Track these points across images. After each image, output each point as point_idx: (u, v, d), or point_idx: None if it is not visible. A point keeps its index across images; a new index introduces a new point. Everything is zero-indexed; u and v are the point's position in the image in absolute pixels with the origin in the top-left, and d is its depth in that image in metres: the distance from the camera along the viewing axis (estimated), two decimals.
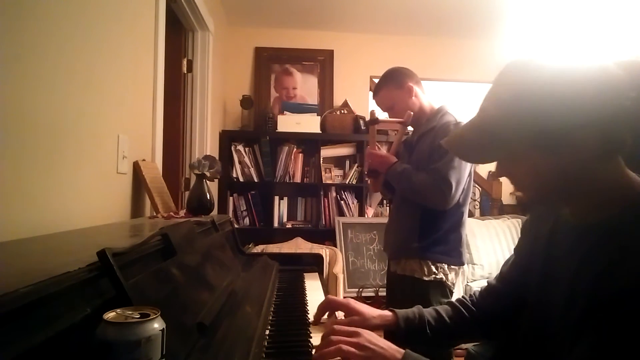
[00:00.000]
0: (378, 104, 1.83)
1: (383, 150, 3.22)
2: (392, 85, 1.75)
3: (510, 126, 0.66)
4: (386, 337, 0.84)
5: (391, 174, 1.66)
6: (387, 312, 0.93)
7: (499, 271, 0.95)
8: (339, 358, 0.73)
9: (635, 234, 0.60)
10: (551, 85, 0.63)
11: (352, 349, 0.72)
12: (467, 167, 1.58)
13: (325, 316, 0.99)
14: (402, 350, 0.72)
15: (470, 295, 0.97)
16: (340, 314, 0.99)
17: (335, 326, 0.80)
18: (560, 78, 0.63)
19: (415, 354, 0.72)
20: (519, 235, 0.91)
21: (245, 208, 3.25)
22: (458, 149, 0.76)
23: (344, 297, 2.83)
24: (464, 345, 2.55)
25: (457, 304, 0.96)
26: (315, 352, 0.77)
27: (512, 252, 0.93)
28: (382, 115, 1.80)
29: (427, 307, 0.95)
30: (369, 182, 1.87)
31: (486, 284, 0.97)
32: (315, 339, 0.85)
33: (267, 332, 0.89)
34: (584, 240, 0.67)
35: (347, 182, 3.28)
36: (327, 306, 0.97)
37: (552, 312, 0.70)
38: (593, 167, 0.65)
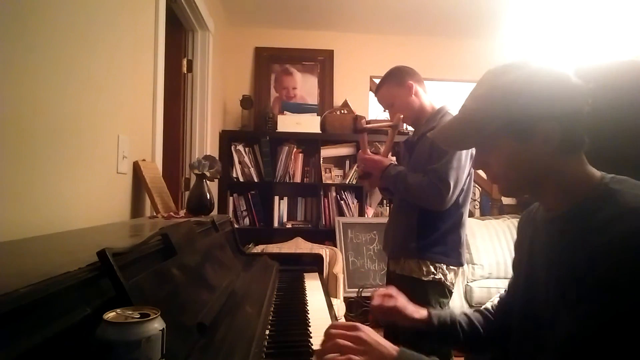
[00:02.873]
0: (379, 101, 1.83)
1: (383, 149, 3.23)
2: (392, 82, 1.74)
3: (484, 114, 0.77)
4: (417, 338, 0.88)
5: (385, 177, 1.66)
6: (421, 308, 0.97)
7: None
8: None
9: (592, 218, 0.68)
10: (519, 84, 0.74)
11: (349, 343, 0.73)
12: (466, 168, 1.57)
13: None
14: (397, 347, 0.74)
15: (492, 306, 1.00)
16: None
17: (334, 322, 0.81)
18: (526, 79, 0.74)
19: (410, 351, 0.74)
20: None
21: (245, 208, 3.25)
22: (441, 138, 0.88)
23: (344, 297, 2.83)
24: None
25: (486, 312, 0.98)
26: (317, 349, 0.77)
27: (513, 258, 0.97)
28: (382, 114, 1.80)
29: (426, 307, 0.99)
30: (365, 183, 1.86)
31: (498, 297, 1.01)
32: (316, 338, 0.85)
33: (267, 332, 0.89)
34: (552, 229, 0.76)
35: (347, 182, 3.28)
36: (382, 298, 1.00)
37: (536, 303, 0.77)
38: (558, 160, 0.74)
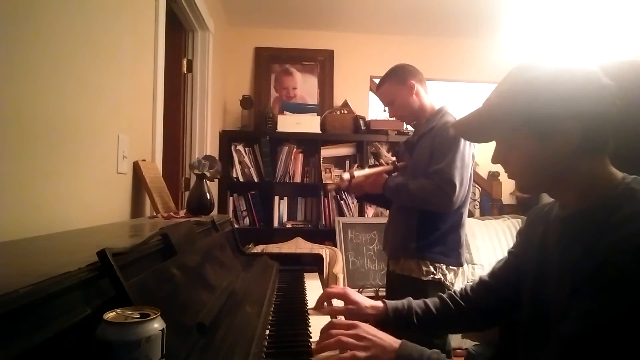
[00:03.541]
0: (379, 98, 1.84)
1: (384, 149, 3.23)
2: (394, 80, 1.75)
3: (506, 110, 0.76)
4: (377, 327, 0.91)
5: (387, 191, 1.67)
6: (379, 303, 1.03)
7: (491, 269, 1.02)
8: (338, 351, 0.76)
9: (612, 215, 0.67)
10: (544, 81, 0.72)
11: (352, 340, 0.75)
12: (469, 168, 1.58)
13: (325, 304, 1.08)
14: (399, 340, 0.76)
15: (461, 290, 1.04)
16: (335, 302, 1.08)
17: (334, 320, 0.83)
18: (553, 76, 0.72)
19: (411, 343, 0.76)
20: (515, 239, 0.97)
21: (245, 208, 3.25)
22: (461, 129, 0.87)
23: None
24: (463, 345, 2.56)
25: (445, 297, 1.03)
26: (315, 345, 0.78)
27: (513, 245, 0.99)
28: (382, 113, 1.81)
29: (382, 300, 1.04)
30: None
31: (478, 280, 1.03)
32: (316, 338, 0.85)
33: (267, 332, 0.89)
34: (568, 227, 0.76)
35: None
36: (326, 298, 1.07)
37: (547, 299, 0.76)
38: (577, 160, 0.73)
